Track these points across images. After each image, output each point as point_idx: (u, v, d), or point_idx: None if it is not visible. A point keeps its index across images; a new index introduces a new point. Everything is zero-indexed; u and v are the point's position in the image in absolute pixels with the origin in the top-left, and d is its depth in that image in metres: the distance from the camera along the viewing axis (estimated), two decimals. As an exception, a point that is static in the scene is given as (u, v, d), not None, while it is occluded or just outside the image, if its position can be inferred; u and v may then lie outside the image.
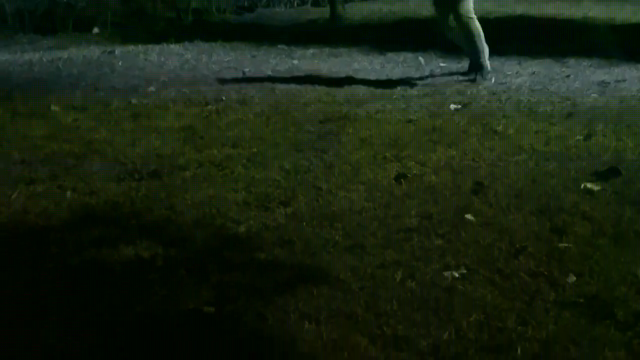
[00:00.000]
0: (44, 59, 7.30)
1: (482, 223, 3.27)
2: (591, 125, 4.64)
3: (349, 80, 6.20)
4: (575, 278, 2.78)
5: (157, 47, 7.88)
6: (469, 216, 3.33)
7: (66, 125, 4.99)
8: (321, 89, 5.90)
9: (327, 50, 7.58)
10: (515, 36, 7.62)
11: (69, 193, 3.74)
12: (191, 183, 3.88)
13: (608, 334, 2.44)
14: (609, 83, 5.85)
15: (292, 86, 6.03)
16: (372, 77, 6.34)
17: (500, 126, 4.70)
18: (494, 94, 5.59)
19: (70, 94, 5.85)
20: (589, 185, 3.65)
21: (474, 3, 5.99)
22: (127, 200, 3.66)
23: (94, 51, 7.76)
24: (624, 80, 5.91)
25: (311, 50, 7.59)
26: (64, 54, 7.61)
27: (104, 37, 8.86)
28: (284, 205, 3.54)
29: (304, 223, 3.33)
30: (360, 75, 6.38)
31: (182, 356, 2.41)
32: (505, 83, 5.94)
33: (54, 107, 5.37)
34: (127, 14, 9.80)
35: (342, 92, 5.77)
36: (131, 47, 7.92)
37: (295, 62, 7.08)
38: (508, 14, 9.36)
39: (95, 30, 9.19)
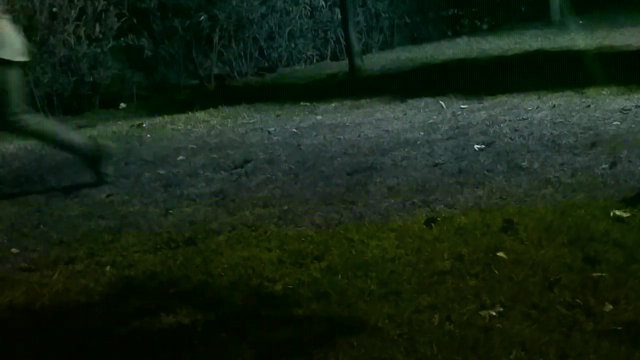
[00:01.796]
0: (75, 139, 7.49)
1: (514, 259, 3.29)
2: (615, 153, 4.66)
3: (373, 130, 6.29)
4: (611, 306, 2.78)
5: (183, 116, 8.06)
6: (500, 254, 3.36)
7: (100, 201, 5.12)
8: (346, 142, 5.99)
9: (348, 102, 7.70)
10: (533, 71, 7.70)
11: (108, 268, 3.83)
12: (225, 246, 3.96)
13: (649, 359, 2.44)
14: (629, 109, 5.86)
15: (317, 141, 6.14)
16: (395, 125, 6.42)
17: (525, 161, 4.74)
18: (516, 130, 5.64)
19: (102, 170, 5.99)
20: (618, 212, 3.67)
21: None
22: (165, 269, 3.74)
23: (122, 126, 7.96)
24: (645, 105, 5.93)
25: (333, 104, 7.72)
26: (93, 132, 7.81)
27: (131, 111, 9.09)
28: (318, 260, 3.59)
29: (339, 275, 3.38)
30: (383, 125, 6.48)
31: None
32: (527, 118, 5.99)
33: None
34: (151, 86, 10.05)
35: (366, 143, 5.86)
36: (158, 119, 8.11)
37: (319, 117, 7.20)
38: (525, 50, 9.46)
39: (122, 105, 9.44)
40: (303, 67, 11.16)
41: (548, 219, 3.72)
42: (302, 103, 7.96)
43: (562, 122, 5.75)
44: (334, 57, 11.54)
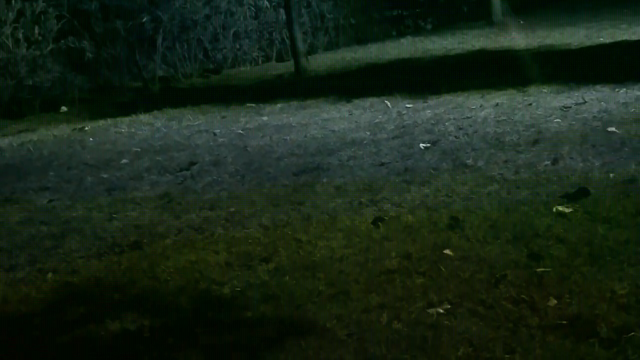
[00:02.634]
0: (14, 144, 7.33)
1: (461, 257, 3.32)
2: (557, 150, 4.75)
3: (319, 131, 6.29)
4: (556, 301, 2.82)
5: (126, 119, 7.95)
6: (447, 251, 3.39)
7: (42, 206, 5.01)
8: (292, 142, 5.98)
9: (294, 103, 7.69)
10: (477, 70, 7.80)
11: (50, 275, 3.75)
12: (172, 250, 3.90)
13: (593, 352, 2.48)
14: (570, 107, 5.98)
15: (264, 142, 6.11)
16: (341, 125, 6.43)
17: (470, 159, 4.79)
18: (461, 128, 5.70)
19: (43, 175, 5.87)
20: (560, 208, 3.73)
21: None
22: (110, 275, 3.67)
23: (64, 130, 7.81)
24: (584, 103, 6.05)
25: (279, 105, 7.70)
26: (34, 136, 7.65)
27: (73, 114, 8.92)
28: (266, 262, 3.57)
29: (287, 277, 3.36)
30: (329, 125, 6.48)
31: None
32: (471, 117, 6.06)
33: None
34: (94, 89, 9.89)
35: (313, 143, 5.85)
36: (101, 122, 7.98)
37: (265, 118, 7.17)
38: (468, 50, 9.58)
39: (63, 108, 9.26)
40: (248, 68, 11.12)
41: (493, 216, 3.77)
42: (248, 104, 7.92)
43: (505, 120, 5.84)
44: (280, 58, 11.53)
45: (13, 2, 9.15)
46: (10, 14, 9.08)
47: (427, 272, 3.21)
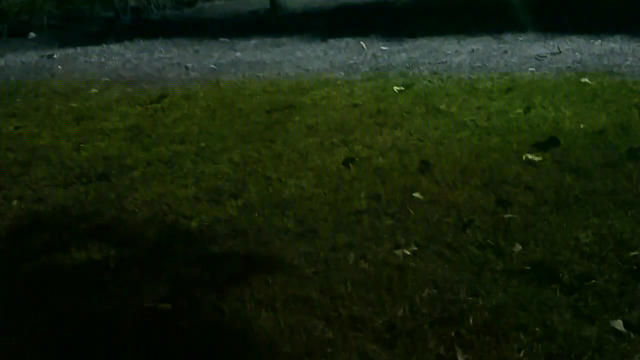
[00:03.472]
0: (-20, 69, 7.18)
1: (430, 200, 3.34)
2: (530, 98, 4.75)
3: (293, 69, 6.23)
4: (521, 247, 2.86)
5: (97, 49, 7.80)
6: (416, 194, 3.40)
7: (8, 133, 4.92)
8: (265, 80, 5.91)
9: (269, 40, 7.59)
10: (454, 15, 7.73)
11: (15, 202, 3.70)
12: (140, 182, 3.87)
13: (555, 297, 2.52)
14: (545, 56, 5.98)
15: (236, 78, 6.03)
16: (316, 64, 6.37)
17: (443, 104, 4.78)
18: (435, 73, 5.68)
19: (9, 102, 5.75)
20: (530, 156, 3.75)
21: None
22: (76, 204, 3.63)
23: (31, 56, 7.64)
24: (559, 53, 6.05)
25: (253, 42, 7.59)
26: (1, 62, 7.48)
27: (42, 41, 8.71)
28: (235, 198, 3.56)
29: (256, 213, 3.36)
30: (303, 64, 6.41)
31: (141, 354, 2.42)
32: (446, 62, 6.03)
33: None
34: (63, 17, 9.65)
35: (286, 82, 5.79)
36: (70, 50, 7.81)
37: (238, 54, 7.07)
38: (445, -6, 9.46)
39: (32, 35, 9.04)
40: (223, 2, 10.90)
41: (463, 161, 3.78)
42: (221, 39, 7.80)
43: (479, 66, 5.82)
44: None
45: None
46: None
47: (395, 214, 3.23)
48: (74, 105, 5.53)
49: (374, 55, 6.52)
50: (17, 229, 3.42)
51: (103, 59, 7.27)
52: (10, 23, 9.02)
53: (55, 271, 2.96)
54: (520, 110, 4.54)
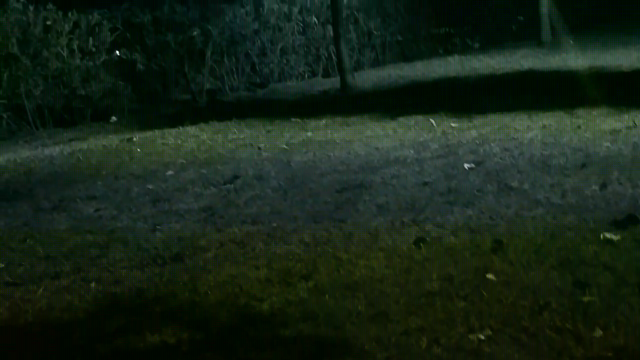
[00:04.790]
0: (64, 152, 7.46)
1: (504, 282, 3.27)
2: (606, 174, 4.66)
3: (363, 148, 6.28)
4: (601, 332, 2.76)
5: (173, 131, 8.05)
6: (490, 276, 3.34)
7: (89, 215, 5.08)
8: (335, 159, 5.98)
9: (339, 119, 7.70)
10: (524, 91, 7.72)
11: (93, 284, 3.79)
12: (213, 263, 3.92)
13: (639, 386, 2.41)
14: (619, 130, 5.87)
15: (307, 158, 6.12)
16: (385, 143, 6.41)
17: (515, 182, 4.73)
18: (506, 150, 5.63)
19: (91, 184, 5.96)
20: (608, 235, 3.65)
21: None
22: (151, 286, 3.70)
23: (112, 140, 7.93)
24: (635, 127, 5.94)
25: (324, 121, 7.71)
26: (84, 145, 7.79)
27: (122, 124, 9.07)
28: (306, 279, 3.56)
29: (326, 295, 3.35)
30: (373, 142, 6.47)
31: None
32: (517, 138, 5.99)
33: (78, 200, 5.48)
34: (143, 101, 10.04)
35: (356, 160, 5.84)
36: (149, 133, 8.08)
37: (309, 134, 7.19)
38: (516, 69, 9.49)
39: (113, 119, 9.42)
40: (294, 83, 11.18)
41: (538, 240, 3.71)
42: (292, 119, 7.96)
43: (552, 142, 5.76)
44: (326, 74, 11.57)
45: (70, 14, 9.35)
46: (66, 25, 9.29)
47: (468, 296, 3.17)
48: (151, 187, 5.69)
49: (443, 133, 6.53)
50: (94, 310, 3.50)
51: (179, 141, 7.49)
52: (93, 108, 9.43)
53: (130, 354, 3.00)
54: (596, 187, 4.45)
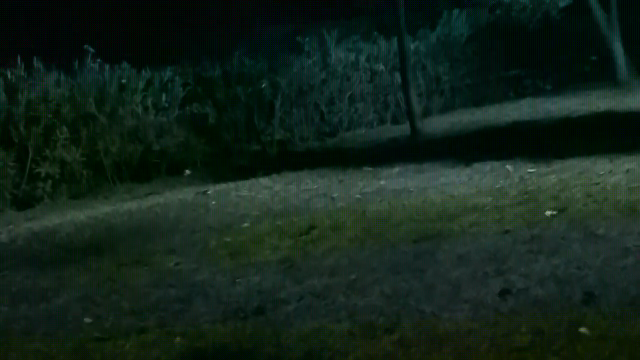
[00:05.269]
0: (142, 207, 7.61)
1: (598, 336, 3.15)
2: (698, 219, 4.49)
3: (438, 196, 6.21)
4: None
5: (247, 183, 8.13)
6: (583, 329, 3.22)
7: (169, 269, 5.14)
8: (411, 207, 5.92)
9: (412, 167, 7.66)
10: (603, 133, 7.54)
11: (178, 339, 3.82)
12: (294, 316, 3.91)
13: None
14: None
15: (382, 207, 6.09)
16: (461, 190, 6.33)
17: (602, 229, 4.59)
18: (589, 195, 5.48)
19: (169, 238, 6.05)
20: None
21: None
22: (235, 341, 3.70)
23: (188, 193, 8.06)
24: None
25: (396, 169, 7.68)
26: (161, 199, 7.93)
27: (196, 177, 9.21)
28: (389, 332, 3.51)
29: (412, 349, 3.29)
30: (448, 190, 6.39)
31: None
32: (599, 183, 5.83)
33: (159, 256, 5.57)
34: (215, 153, 10.19)
35: (432, 209, 5.78)
36: (223, 185, 8.19)
37: (382, 182, 7.16)
38: (592, 111, 9.31)
39: (187, 172, 9.58)
40: (364, 131, 11.20)
41: (631, 291, 3.57)
42: (364, 168, 7.95)
43: (638, 187, 5.57)
44: (395, 121, 11.56)
45: (143, 72, 9.64)
46: (140, 83, 9.56)
47: (561, 351, 3.07)
48: (228, 239, 5.73)
49: (521, 178, 6.41)
50: (180, 366, 3.52)
51: (253, 193, 7.55)
52: (168, 161, 9.62)
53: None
54: (689, 233, 4.29)
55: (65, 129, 8.79)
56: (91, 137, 9.04)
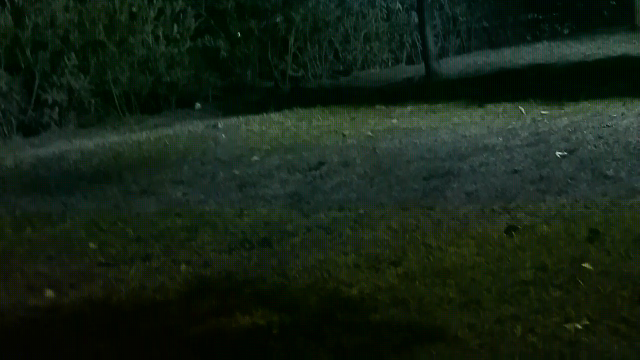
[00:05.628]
0: (151, 138, 7.62)
1: (601, 271, 3.16)
2: None
3: (450, 135, 6.18)
4: None
5: (257, 117, 8.10)
6: (586, 265, 3.24)
7: (177, 199, 5.17)
8: (422, 146, 5.90)
9: (425, 106, 7.60)
10: (618, 77, 7.43)
11: (183, 266, 3.86)
12: (301, 248, 3.93)
13: None
14: None
15: (393, 145, 6.06)
16: (473, 130, 6.29)
17: (611, 170, 4.57)
18: (600, 137, 5.44)
19: (178, 169, 6.06)
20: None
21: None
22: (240, 270, 3.74)
23: (197, 126, 8.05)
24: None
25: (409, 108, 7.62)
26: (170, 131, 7.93)
27: (207, 111, 9.19)
28: (395, 265, 3.53)
29: (417, 282, 3.32)
30: (460, 130, 6.35)
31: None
32: (612, 126, 5.78)
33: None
34: (226, 87, 10.15)
35: (443, 148, 5.75)
36: (233, 119, 8.17)
37: (394, 121, 7.12)
38: (608, 55, 9.18)
39: (198, 105, 9.56)
40: (378, 70, 11.10)
41: (637, 230, 3.57)
42: (377, 106, 7.90)
43: (649, 130, 5.54)
44: (410, 61, 11.45)
45: (154, 0, 9.51)
46: (151, 12, 9.44)
47: (564, 285, 3.08)
48: (236, 172, 5.75)
49: (533, 120, 6.36)
50: (185, 291, 3.56)
51: (264, 128, 7.53)
52: (178, 94, 9.59)
53: (221, 335, 3.04)
54: (698, 176, 4.27)
55: (73, 55, 8.71)
56: (100, 65, 8.98)
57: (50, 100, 8.53)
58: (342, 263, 3.64)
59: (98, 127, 8.70)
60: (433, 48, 9.90)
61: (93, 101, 8.90)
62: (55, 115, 8.57)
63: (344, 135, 6.69)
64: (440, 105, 7.54)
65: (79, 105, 8.80)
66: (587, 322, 2.76)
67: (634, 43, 9.70)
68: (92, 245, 4.31)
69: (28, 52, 8.55)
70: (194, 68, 9.66)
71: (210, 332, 3.09)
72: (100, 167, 6.45)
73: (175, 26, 9.63)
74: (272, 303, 3.26)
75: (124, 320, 3.33)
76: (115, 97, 9.11)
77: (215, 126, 7.89)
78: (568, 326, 2.76)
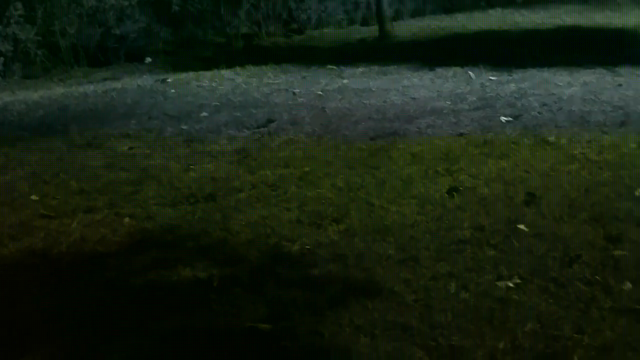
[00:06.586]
0: (99, 91, 7.51)
1: (535, 233, 3.26)
2: (645, 132, 4.58)
3: (399, 97, 6.23)
4: (631, 285, 2.75)
5: (208, 73, 8.04)
6: (521, 226, 3.33)
7: (122, 153, 5.13)
8: (371, 107, 5.94)
9: (376, 68, 7.63)
10: (566, 47, 7.57)
11: (126, 219, 3.84)
12: (245, 204, 3.95)
13: (667, 340, 2.40)
14: (663, 89, 5.76)
15: (342, 105, 6.09)
16: (422, 93, 6.35)
17: (552, 136, 4.67)
18: (545, 105, 5.55)
19: (125, 123, 6.00)
20: (643, 192, 3.61)
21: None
22: (184, 224, 3.74)
23: (147, 80, 7.95)
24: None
25: (361, 69, 7.65)
26: (118, 85, 7.82)
27: (157, 66, 9.07)
28: (337, 222, 3.58)
29: (357, 238, 3.37)
30: (410, 92, 6.41)
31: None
32: (556, 94, 5.90)
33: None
34: (177, 42, 10.02)
35: (392, 109, 5.81)
36: (183, 75, 8.09)
37: (345, 81, 7.14)
38: (558, 25, 9.30)
39: (148, 59, 9.42)
40: (332, 30, 11.06)
41: (572, 195, 3.67)
42: (329, 66, 7.90)
43: (592, 99, 5.66)
44: (364, 22, 11.44)
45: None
46: (102, -38, 9.25)
47: (499, 245, 3.17)
48: (184, 127, 5.72)
49: (482, 85, 6.45)
50: (127, 244, 3.55)
51: (214, 84, 7.49)
52: (127, 47, 9.43)
53: (162, 287, 3.05)
54: (634, 145, 4.39)
55: (19, 5, 8.50)
56: (47, 15, 8.77)
57: (-6, 51, 8.34)
58: (285, 219, 3.67)
59: (44, 79, 8.52)
60: (388, 10, 9.91)
61: (39, 52, 8.71)
62: (0, 66, 8.36)
63: (294, 94, 6.69)
64: (391, 68, 7.58)
65: (24, 57, 8.61)
66: (519, 281, 2.85)
67: (584, 14, 9.86)
68: (33, 197, 4.25)
69: (-29, 2, 8.34)
70: (144, 21, 9.49)
71: (151, 284, 3.10)
72: (45, 119, 6.35)
73: (127, -23, 9.45)
74: (213, 257, 3.28)
75: (64, 272, 3.31)
76: (62, 49, 8.93)
77: (164, 81, 7.81)
78: (500, 284, 2.84)
